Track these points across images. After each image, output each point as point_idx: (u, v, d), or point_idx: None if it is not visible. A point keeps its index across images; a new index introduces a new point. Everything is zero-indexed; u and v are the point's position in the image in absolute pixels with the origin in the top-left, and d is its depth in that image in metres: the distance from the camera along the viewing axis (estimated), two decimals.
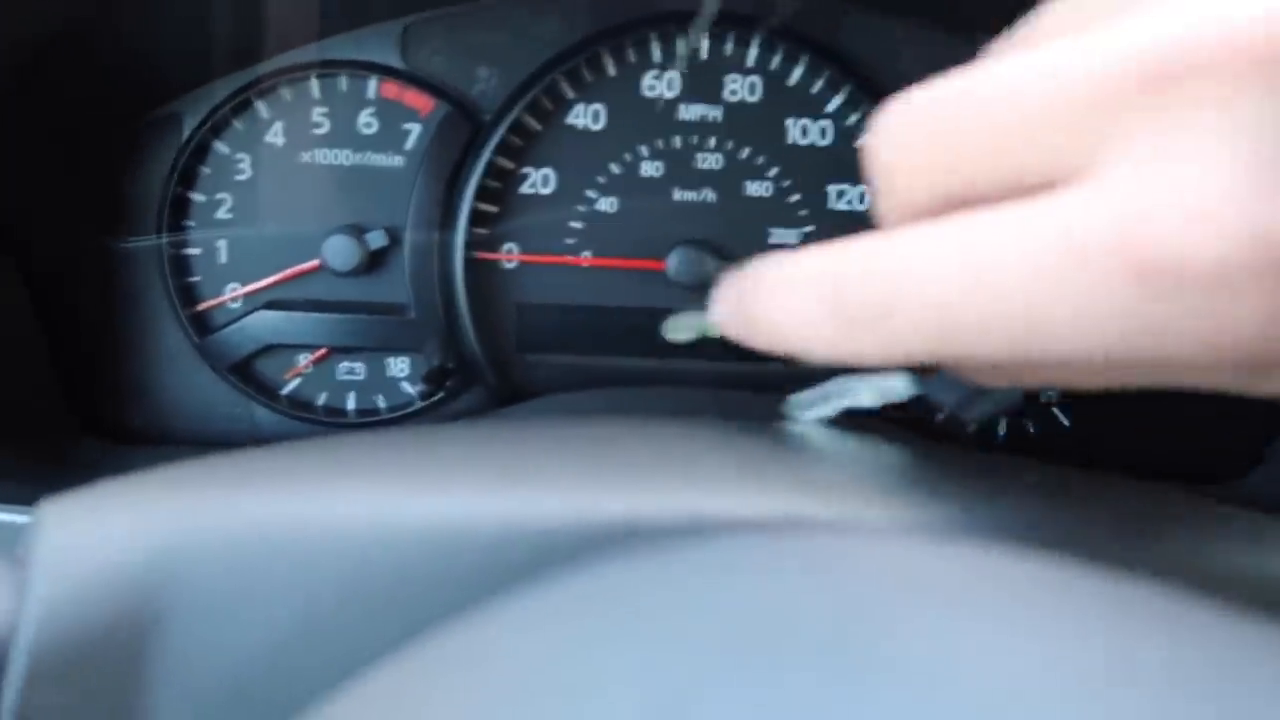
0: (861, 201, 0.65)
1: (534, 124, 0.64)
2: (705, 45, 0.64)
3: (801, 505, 0.28)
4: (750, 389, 0.66)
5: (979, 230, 0.24)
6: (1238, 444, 0.69)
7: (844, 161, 0.65)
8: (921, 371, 0.33)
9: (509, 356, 0.66)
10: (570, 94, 0.64)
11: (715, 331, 0.36)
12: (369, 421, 0.66)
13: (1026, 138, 0.24)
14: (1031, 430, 0.69)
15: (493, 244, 0.65)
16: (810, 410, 0.38)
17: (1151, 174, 0.21)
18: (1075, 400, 0.68)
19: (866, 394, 0.36)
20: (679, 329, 0.39)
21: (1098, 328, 0.22)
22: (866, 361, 0.28)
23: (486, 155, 0.62)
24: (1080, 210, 0.22)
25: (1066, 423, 0.69)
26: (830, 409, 0.38)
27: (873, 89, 0.63)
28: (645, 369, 0.66)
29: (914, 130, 0.27)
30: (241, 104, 0.63)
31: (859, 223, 0.65)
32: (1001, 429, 0.69)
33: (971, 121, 0.25)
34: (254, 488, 0.28)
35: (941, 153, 0.26)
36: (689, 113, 0.64)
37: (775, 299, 0.31)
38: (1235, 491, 0.70)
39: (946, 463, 0.35)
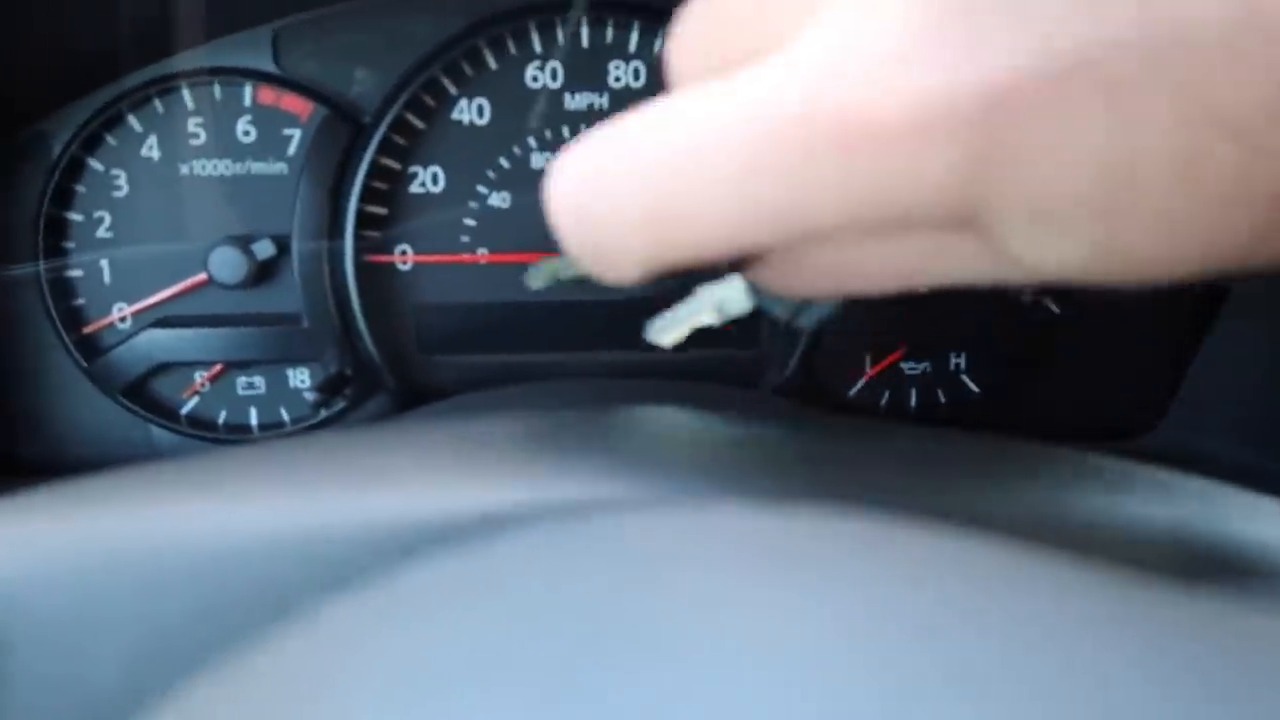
0: None
1: (417, 122, 0.62)
2: (585, 33, 0.63)
3: (623, 483, 0.28)
4: (654, 376, 0.66)
5: (688, 107, 0.24)
6: (1143, 400, 0.70)
7: None
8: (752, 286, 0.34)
9: (410, 359, 0.65)
10: (452, 89, 0.62)
11: (570, 271, 0.36)
12: (273, 436, 0.65)
13: (756, 9, 0.24)
14: (942, 400, 0.70)
15: (385, 246, 0.64)
16: (664, 334, 0.38)
17: (837, 37, 0.22)
18: (982, 367, 0.69)
19: (708, 312, 0.37)
20: (536, 277, 0.39)
21: (807, 199, 0.22)
22: (612, 278, 0.28)
23: (369, 156, 0.61)
24: (774, 77, 0.22)
25: (976, 389, 0.70)
26: (681, 330, 0.38)
27: None
28: (549, 363, 0.65)
29: (693, 19, 0.27)
30: (112, 118, 0.61)
31: None
32: (912, 400, 0.70)
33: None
34: (96, 511, 0.27)
35: (703, 36, 0.26)
36: (575, 102, 0.63)
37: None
38: (1144, 445, 0.71)
39: (814, 434, 0.35)
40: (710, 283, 0.36)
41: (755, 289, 0.35)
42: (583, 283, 0.36)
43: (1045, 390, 0.70)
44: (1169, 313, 0.68)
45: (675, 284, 0.31)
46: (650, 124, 0.25)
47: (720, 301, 0.36)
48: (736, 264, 0.29)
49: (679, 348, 0.66)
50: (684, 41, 0.27)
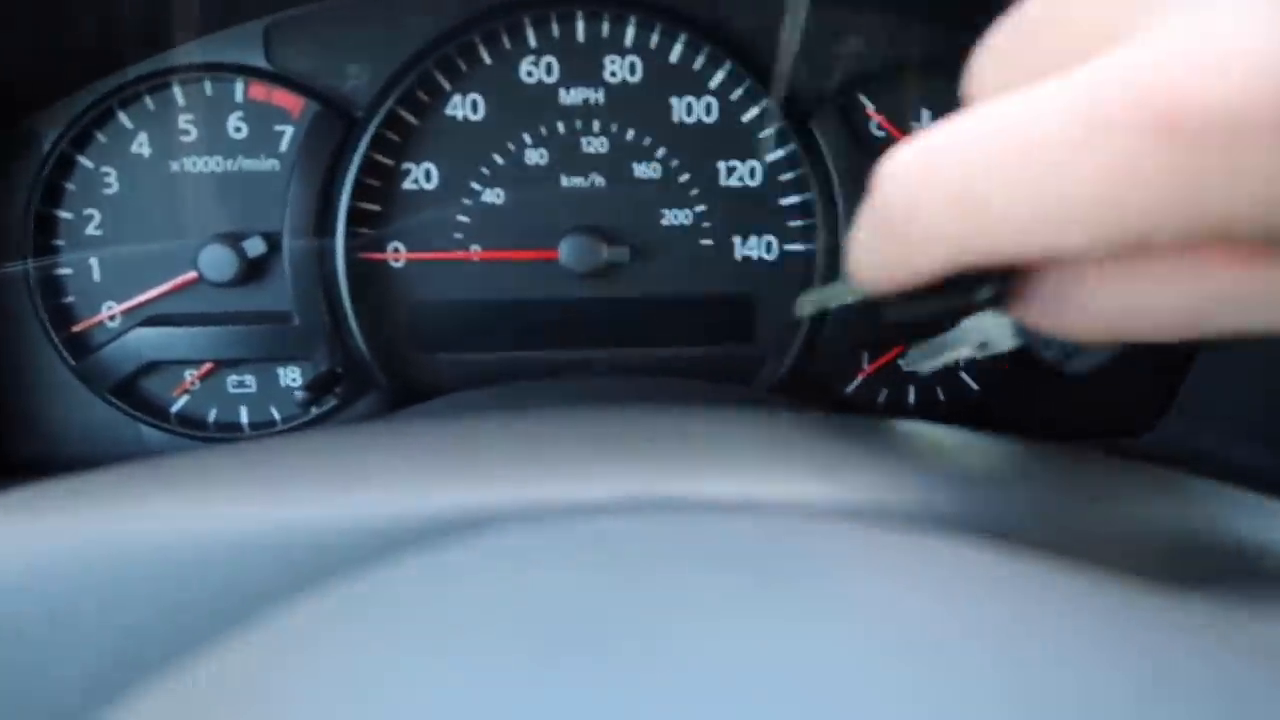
0: (752, 177, 0.64)
1: (410, 118, 0.62)
2: (580, 27, 0.62)
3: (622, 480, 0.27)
4: (651, 374, 0.66)
5: (1011, 106, 0.24)
6: (1144, 399, 0.69)
7: (731, 138, 0.64)
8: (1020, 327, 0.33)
9: (404, 357, 0.64)
10: (446, 85, 0.62)
11: (843, 297, 0.36)
12: (264, 435, 0.64)
13: (1084, 9, 0.24)
14: (941, 397, 0.69)
15: (378, 244, 0.63)
16: (923, 363, 0.39)
17: (1178, 28, 0.21)
18: (981, 365, 0.68)
19: (971, 345, 0.37)
20: (806, 304, 0.39)
21: (1126, 194, 0.21)
22: (898, 280, 0.27)
23: (361, 152, 0.60)
24: (1107, 71, 0.22)
25: (975, 387, 0.69)
26: (940, 360, 0.39)
27: (753, 64, 0.62)
28: (544, 361, 0.65)
29: (1003, 34, 0.27)
30: (103, 115, 0.61)
31: (751, 199, 0.64)
32: (911, 397, 0.69)
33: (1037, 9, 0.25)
34: (61, 514, 0.27)
35: (1016, 40, 0.26)
36: (570, 97, 0.63)
37: (854, 247, 0.29)
38: (1145, 443, 0.70)
39: (799, 430, 0.34)
40: (976, 317, 0.36)
41: (1023, 328, 0.33)
42: (852, 309, 0.34)
43: (1045, 388, 0.69)
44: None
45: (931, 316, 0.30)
46: (982, 118, 0.24)
47: (986, 337, 0.36)
48: (1005, 298, 0.28)
49: (675, 344, 0.66)
50: (1002, 47, 0.27)
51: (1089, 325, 0.27)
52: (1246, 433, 0.63)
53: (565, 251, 0.62)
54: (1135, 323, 0.26)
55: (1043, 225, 0.23)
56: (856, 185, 0.63)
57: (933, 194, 0.25)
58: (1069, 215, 0.22)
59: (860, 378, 0.68)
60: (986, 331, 0.35)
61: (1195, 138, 0.20)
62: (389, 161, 0.62)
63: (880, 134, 0.64)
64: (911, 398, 0.69)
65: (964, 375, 0.69)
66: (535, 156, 0.63)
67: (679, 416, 0.38)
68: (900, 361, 0.40)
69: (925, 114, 0.65)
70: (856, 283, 0.30)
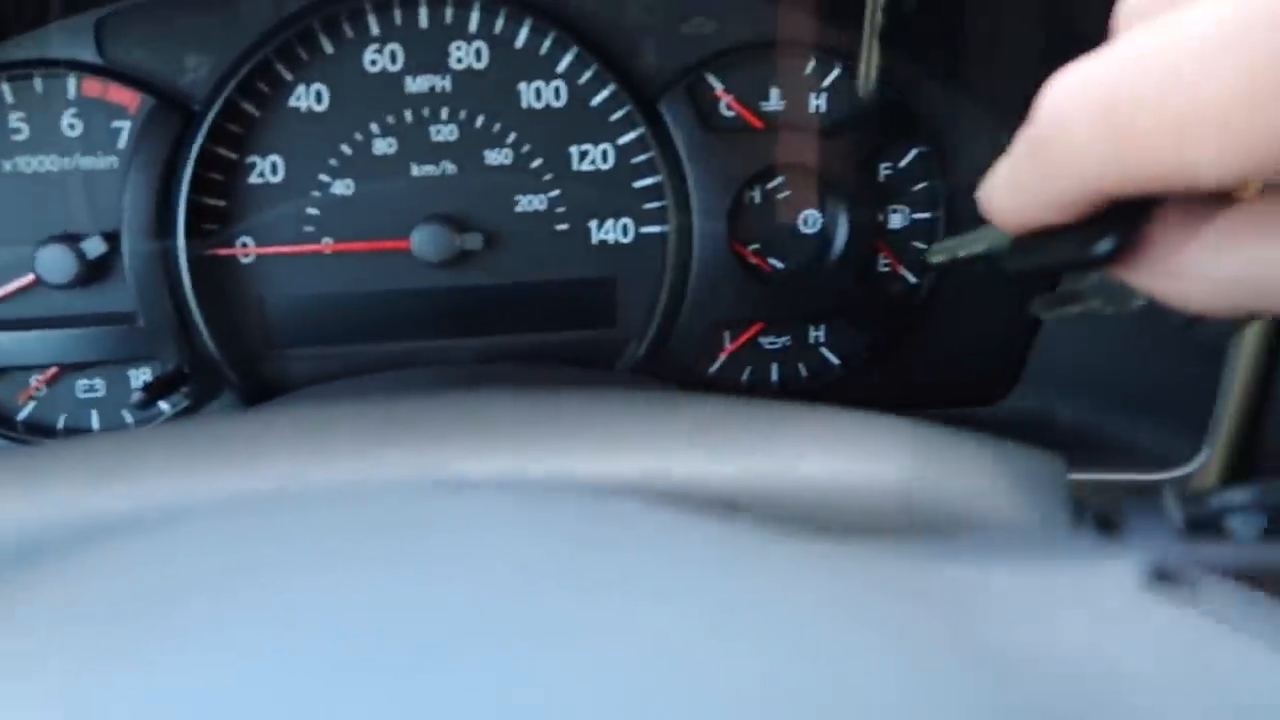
0: (605, 160, 0.64)
1: (252, 110, 0.61)
2: (424, 14, 0.61)
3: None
4: (512, 360, 0.66)
5: (1157, 25, 0.24)
6: (997, 368, 0.71)
7: (582, 122, 0.64)
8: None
9: (257, 354, 0.63)
10: (288, 75, 0.61)
11: (974, 246, 0.38)
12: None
13: None
14: (803, 373, 0.70)
15: (226, 239, 0.62)
16: (1053, 313, 0.44)
17: None
18: (841, 340, 0.69)
19: (1100, 298, 0.39)
20: (937, 252, 0.41)
21: (1269, 96, 0.22)
22: (1037, 210, 0.29)
23: (198, 146, 0.59)
24: None
25: (836, 362, 0.70)
26: (1070, 312, 0.41)
27: (600, 48, 0.62)
28: (403, 353, 0.64)
29: None
30: None
31: (605, 182, 0.65)
32: (774, 374, 0.70)
33: None
34: None
35: None
36: (417, 85, 0.62)
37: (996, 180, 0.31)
38: (1000, 411, 0.72)
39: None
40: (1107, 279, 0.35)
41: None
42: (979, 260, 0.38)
43: (904, 361, 0.71)
44: (1019, 281, 0.70)
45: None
46: (1130, 39, 0.25)
47: (1120, 297, 0.37)
48: (1127, 252, 0.28)
49: (535, 331, 0.66)
50: None
51: (1208, 295, 0.28)
52: (1091, 395, 0.65)
53: (417, 241, 0.62)
54: (1256, 293, 0.27)
55: (1186, 136, 0.23)
56: (707, 166, 0.64)
57: (1082, 112, 0.26)
58: (1212, 122, 0.23)
59: (723, 357, 0.69)
60: (1119, 286, 0.35)
61: None
62: (232, 155, 0.61)
63: (729, 114, 0.65)
64: (775, 375, 0.70)
65: (825, 351, 0.70)
66: (384, 146, 0.62)
67: (494, 398, 0.38)
68: (1032, 308, 0.43)
69: (774, 93, 0.65)
70: (994, 219, 0.31)
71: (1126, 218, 0.28)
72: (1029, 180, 0.29)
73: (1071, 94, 0.26)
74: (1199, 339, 0.35)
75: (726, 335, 0.69)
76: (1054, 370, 0.68)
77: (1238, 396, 0.56)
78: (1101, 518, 0.33)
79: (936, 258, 0.44)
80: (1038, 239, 0.32)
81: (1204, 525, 0.32)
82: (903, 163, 0.68)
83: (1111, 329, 0.65)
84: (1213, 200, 0.28)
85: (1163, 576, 0.19)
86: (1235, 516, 0.32)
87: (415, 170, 0.63)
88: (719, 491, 0.30)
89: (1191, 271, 0.28)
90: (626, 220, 0.65)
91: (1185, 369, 0.58)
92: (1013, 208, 0.30)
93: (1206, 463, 0.56)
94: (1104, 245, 0.28)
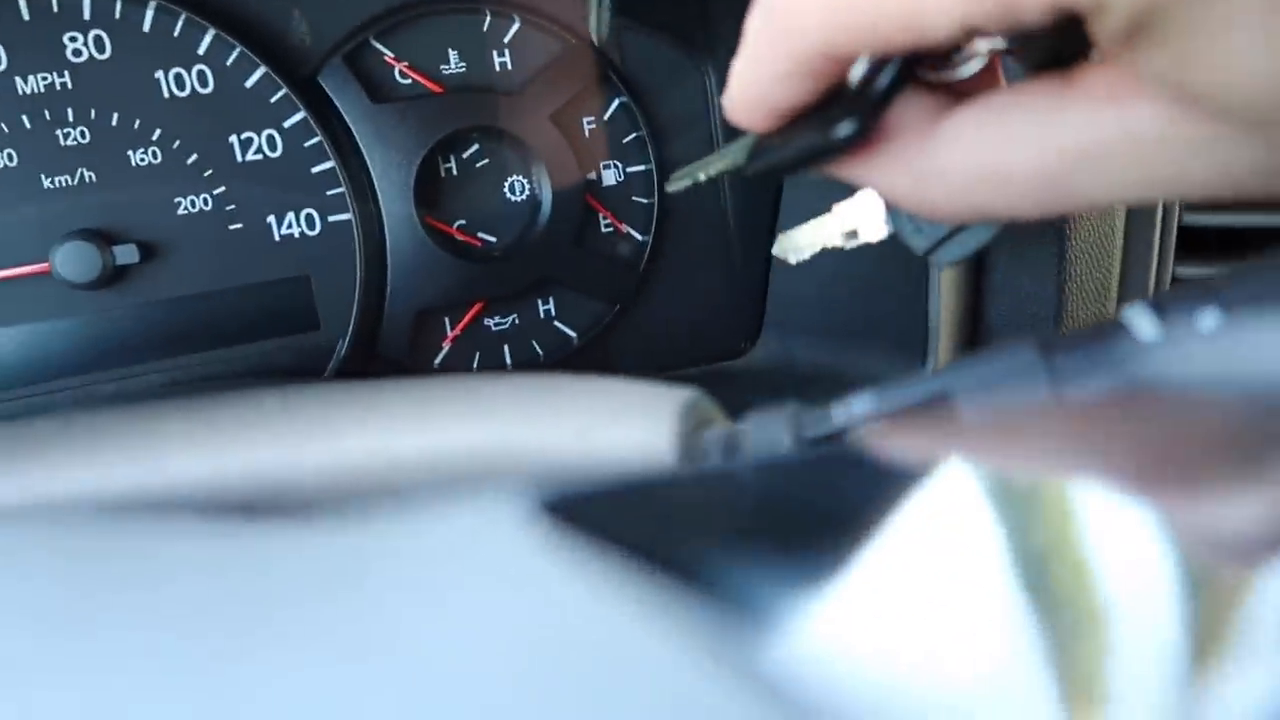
0: (273, 148, 0.58)
1: None
2: (25, 6, 0.54)
3: None
4: (220, 378, 0.59)
5: None
6: (737, 320, 0.68)
7: (238, 108, 0.57)
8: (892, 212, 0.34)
9: None
10: None
11: (715, 166, 0.36)
12: None
13: None
14: (539, 351, 0.66)
15: None
16: (793, 254, 0.40)
17: None
18: (572, 311, 0.65)
19: (838, 234, 0.37)
20: (678, 179, 0.39)
21: None
22: (775, 88, 0.29)
23: None
24: None
25: (572, 334, 0.66)
26: (808, 252, 0.40)
27: (239, 24, 0.56)
28: (78, 391, 0.56)
29: None
30: None
31: (277, 172, 0.58)
32: (507, 356, 0.65)
33: None
34: None
35: None
36: (30, 85, 0.54)
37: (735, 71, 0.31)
38: (749, 362, 0.69)
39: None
40: (846, 202, 0.36)
41: (893, 214, 0.34)
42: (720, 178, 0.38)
43: (641, 324, 0.67)
44: (747, 224, 0.67)
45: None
46: None
47: (855, 225, 0.36)
48: (864, 135, 0.28)
49: (226, 346, 0.59)
50: None
51: (949, 193, 0.27)
52: (826, 339, 0.63)
53: (59, 261, 0.54)
54: (995, 189, 0.26)
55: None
56: (382, 142, 0.59)
57: None
58: None
59: (446, 345, 0.64)
60: (857, 219, 0.36)
61: None
62: None
63: (405, 82, 0.60)
64: (508, 357, 0.65)
65: (558, 325, 0.66)
66: (2, 159, 0.54)
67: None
68: (774, 251, 0.41)
69: (453, 55, 0.60)
70: (738, 116, 0.31)
71: (866, 101, 0.28)
72: (764, 54, 0.28)
73: None
74: (945, 260, 0.34)
75: (447, 322, 0.64)
76: (790, 316, 0.66)
77: (948, 312, 0.54)
78: (728, 444, 0.30)
79: (676, 185, 0.42)
80: (779, 135, 0.31)
81: (827, 441, 0.29)
82: (606, 115, 0.64)
83: (834, 266, 0.64)
84: (951, 93, 0.29)
85: (554, 506, 0.15)
86: (857, 429, 0.29)
87: (46, 182, 0.55)
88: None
89: (930, 165, 0.27)
90: (310, 210, 0.59)
91: (900, 291, 0.56)
92: (754, 94, 0.29)
93: None
94: (843, 128, 0.28)
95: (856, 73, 0.28)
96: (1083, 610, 0.13)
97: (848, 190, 0.35)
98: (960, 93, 0.29)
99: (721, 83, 0.65)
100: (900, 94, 0.28)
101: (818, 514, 0.15)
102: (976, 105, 0.27)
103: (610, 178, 0.65)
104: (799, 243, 0.40)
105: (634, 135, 0.64)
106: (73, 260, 0.54)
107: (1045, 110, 0.25)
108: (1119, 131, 0.24)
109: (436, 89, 0.60)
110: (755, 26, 0.28)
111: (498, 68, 0.61)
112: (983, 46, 0.29)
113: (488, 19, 0.61)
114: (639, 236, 0.66)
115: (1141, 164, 0.24)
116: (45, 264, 0.55)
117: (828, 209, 0.38)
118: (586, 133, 0.64)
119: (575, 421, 0.28)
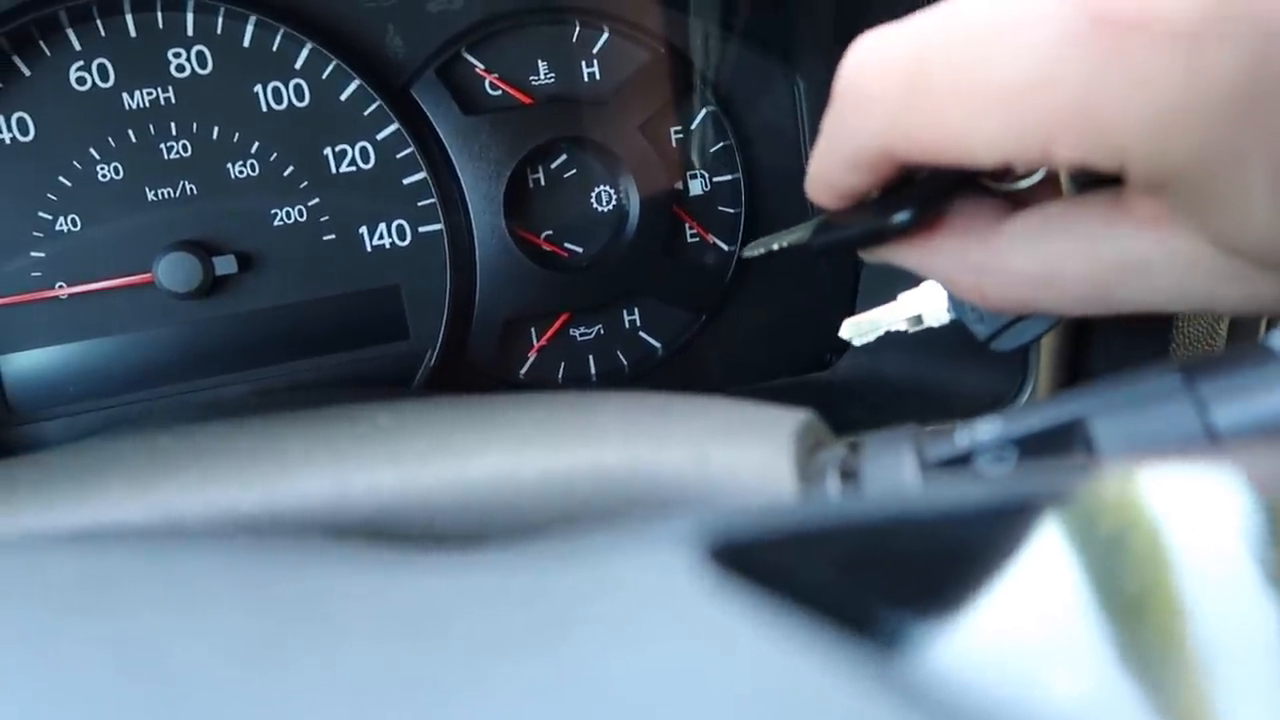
0: (365, 160, 0.59)
1: None
2: (131, 20, 0.55)
3: None
4: (301, 389, 0.59)
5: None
6: (823, 333, 0.67)
7: (332, 120, 0.58)
8: (955, 300, 0.37)
9: (1, 421, 0.56)
10: None
11: (787, 238, 0.39)
12: None
13: None
14: (624, 361, 0.65)
15: None
16: (859, 336, 0.42)
17: None
18: (658, 321, 0.65)
19: (905, 320, 0.40)
20: (754, 247, 0.42)
21: (1042, 86, 0.23)
22: (840, 174, 0.31)
23: None
24: None
25: (657, 344, 0.66)
26: (874, 334, 0.42)
27: (336, 38, 0.57)
28: (173, 400, 0.58)
29: None
30: None
31: (370, 184, 0.59)
32: (592, 367, 0.65)
33: None
34: None
35: None
36: (136, 100, 0.56)
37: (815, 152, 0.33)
38: (835, 373, 0.68)
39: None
40: (911, 291, 0.39)
41: (956, 302, 0.37)
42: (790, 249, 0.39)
43: (727, 335, 0.66)
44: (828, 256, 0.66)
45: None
46: (941, 7, 0.26)
47: (920, 310, 0.39)
48: (922, 224, 0.30)
49: (317, 355, 0.60)
50: None
51: (1004, 289, 0.30)
52: (913, 347, 0.62)
53: (162, 272, 0.55)
54: (1046, 291, 0.29)
55: (969, 110, 0.25)
56: (473, 154, 0.59)
57: (880, 71, 0.27)
58: (994, 100, 0.24)
59: (532, 356, 0.64)
60: (921, 305, 0.38)
61: (1130, 34, 0.22)
62: None
63: (496, 94, 0.60)
64: (592, 367, 0.65)
65: (643, 335, 0.65)
66: (109, 172, 0.56)
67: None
68: (841, 334, 0.44)
69: (542, 66, 0.61)
70: (811, 192, 0.33)
71: (925, 196, 0.30)
72: (833, 144, 0.30)
73: (873, 53, 0.28)
74: (1005, 347, 0.36)
75: (533, 331, 0.64)
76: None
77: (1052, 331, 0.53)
78: (848, 471, 0.29)
79: (752, 252, 0.44)
80: (844, 215, 0.33)
81: (951, 466, 0.28)
82: (693, 125, 0.64)
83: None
84: (1009, 197, 0.32)
85: (723, 553, 0.14)
86: (984, 454, 0.28)
87: (150, 195, 0.56)
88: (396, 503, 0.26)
89: (988, 262, 0.29)
90: (400, 221, 0.60)
91: None
92: (823, 176, 0.32)
93: (1033, 399, 0.53)
94: (901, 216, 0.30)
95: (924, 170, 0.31)
96: None
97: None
98: (1019, 199, 0.32)
99: (810, 93, 0.64)
100: (958, 195, 0.31)
101: (1008, 573, 0.14)
102: (1034, 214, 0.30)
103: (697, 187, 0.64)
104: (864, 327, 0.43)
105: (721, 145, 0.64)
106: (175, 271, 0.55)
107: (1094, 226, 0.28)
108: (1159, 253, 0.26)
109: (526, 100, 0.60)
110: (829, 116, 0.30)
111: (586, 78, 0.61)
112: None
113: (577, 30, 0.61)
114: (725, 247, 0.65)
115: (1178, 282, 0.26)
116: (149, 274, 0.56)
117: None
118: (674, 142, 0.63)
119: (693, 443, 0.28)
